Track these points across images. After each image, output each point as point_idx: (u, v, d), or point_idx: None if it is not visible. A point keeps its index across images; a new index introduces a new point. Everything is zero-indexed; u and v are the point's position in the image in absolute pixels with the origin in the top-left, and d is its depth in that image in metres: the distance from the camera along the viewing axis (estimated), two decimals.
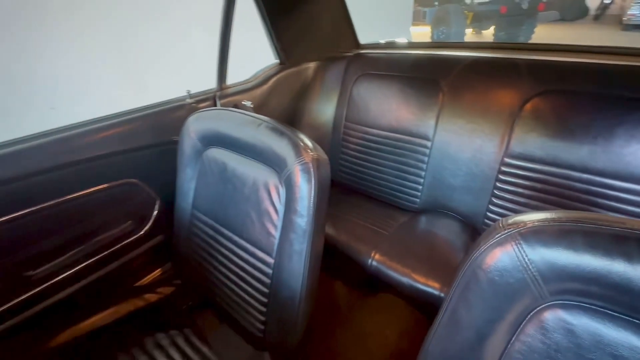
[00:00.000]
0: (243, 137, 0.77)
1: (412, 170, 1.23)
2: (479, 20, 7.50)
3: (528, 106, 1.02)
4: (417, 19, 8.46)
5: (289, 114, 1.44)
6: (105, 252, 0.98)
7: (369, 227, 1.20)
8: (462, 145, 1.12)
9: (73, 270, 0.93)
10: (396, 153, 1.26)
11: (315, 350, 0.88)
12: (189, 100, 1.11)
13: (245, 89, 1.27)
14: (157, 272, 1.13)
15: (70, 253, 0.92)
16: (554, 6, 8.22)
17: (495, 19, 7.28)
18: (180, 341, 0.83)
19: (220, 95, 1.18)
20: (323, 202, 0.67)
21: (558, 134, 0.97)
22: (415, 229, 1.20)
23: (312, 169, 0.65)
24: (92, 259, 0.96)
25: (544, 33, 7.31)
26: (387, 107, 1.28)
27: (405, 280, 1.00)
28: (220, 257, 0.84)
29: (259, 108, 1.27)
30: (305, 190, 0.65)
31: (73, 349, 0.81)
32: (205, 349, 0.81)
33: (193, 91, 1.14)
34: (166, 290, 0.98)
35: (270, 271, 0.73)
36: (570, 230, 0.37)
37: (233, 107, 1.18)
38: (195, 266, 0.91)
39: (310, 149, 0.67)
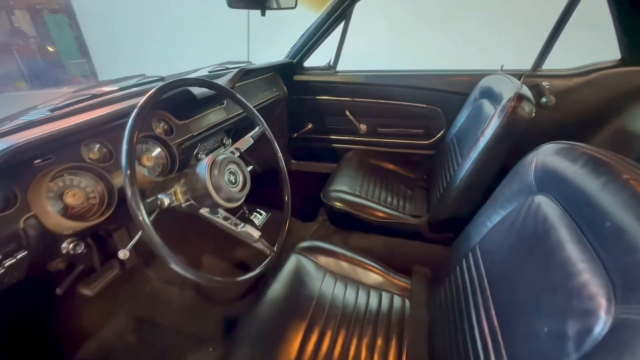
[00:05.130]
0: (498, 90, 1.18)
1: None
2: None
3: None
4: None
5: (596, 110, 1.44)
6: (401, 140, 1.81)
7: None
8: None
9: (381, 140, 1.83)
10: None
11: None
12: (499, 72, 1.54)
13: (554, 75, 1.48)
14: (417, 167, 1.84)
15: (387, 129, 1.80)
16: None
17: None
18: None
19: (527, 75, 1.50)
20: (504, 138, 0.99)
21: None
22: None
23: (507, 112, 0.98)
24: (399, 140, 1.81)
25: None
26: None
27: None
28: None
29: (559, 94, 1.45)
30: (496, 121, 1.02)
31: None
32: (408, 198, 1.47)
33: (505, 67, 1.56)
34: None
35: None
36: (584, 152, 0.53)
37: (533, 85, 1.47)
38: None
39: (521, 104, 0.98)
